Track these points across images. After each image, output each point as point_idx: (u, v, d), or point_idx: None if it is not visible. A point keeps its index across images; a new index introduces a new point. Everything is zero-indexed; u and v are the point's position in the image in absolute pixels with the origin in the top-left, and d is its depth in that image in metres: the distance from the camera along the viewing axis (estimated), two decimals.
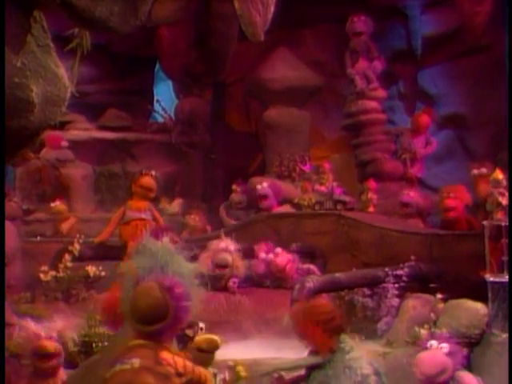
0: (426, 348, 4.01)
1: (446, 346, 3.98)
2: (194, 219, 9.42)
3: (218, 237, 7.23)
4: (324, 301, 4.20)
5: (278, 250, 7.11)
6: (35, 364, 4.38)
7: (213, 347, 3.86)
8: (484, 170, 8.66)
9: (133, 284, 3.23)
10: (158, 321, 3.01)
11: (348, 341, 3.92)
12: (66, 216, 9.49)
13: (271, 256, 7.11)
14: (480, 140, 11.08)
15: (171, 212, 9.57)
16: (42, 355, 4.38)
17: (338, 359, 3.87)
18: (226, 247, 6.86)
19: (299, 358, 4.02)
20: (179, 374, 2.98)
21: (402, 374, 4.28)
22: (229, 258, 6.85)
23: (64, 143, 10.38)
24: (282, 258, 7.06)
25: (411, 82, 11.84)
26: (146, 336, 3.02)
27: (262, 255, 7.09)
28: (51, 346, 4.41)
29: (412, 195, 9.20)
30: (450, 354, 3.98)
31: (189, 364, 3.05)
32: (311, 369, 3.95)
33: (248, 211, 9.64)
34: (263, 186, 9.31)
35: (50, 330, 4.54)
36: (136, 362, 2.93)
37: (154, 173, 8.04)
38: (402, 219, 8.92)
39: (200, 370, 3.10)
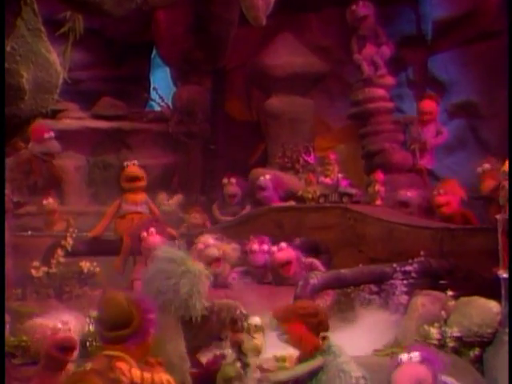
0: (398, 364, 3.98)
1: (416, 355, 3.95)
2: (195, 217, 9.41)
3: (220, 230, 7.24)
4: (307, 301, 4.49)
5: (283, 244, 7.07)
6: (54, 357, 4.42)
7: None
8: (487, 166, 8.71)
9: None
10: (121, 328, 3.32)
11: (336, 344, 4.00)
12: (58, 217, 9.38)
13: (273, 249, 7.08)
14: (493, 129, 11.04)
15: (168, 210, 9.55)
16: (64, 348, 4.43)
17: (332, 363, 3.96)
18: (205, 245, 6.87)
19: (296, 367, 4.06)
20: None
21: None
22: (214, 251, 6.85)
23: (47, 135, 10.20)
24: (284, 253, 7.02)
25: (421, 68, 11.81)
26: (108, 342, 3.35)
27: (255, 247, 7.07)
28: (73, 338, 4.47)
29: (409, 195, 9.11)
30: (423, 361, 3.95)
31: (147, 375, 3.30)
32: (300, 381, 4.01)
33: (243, 206, 9.61)
34: (265, 177, 9.30)
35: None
36: (88, 365, 3.31)
37: (136, 162, 8.13)
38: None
39: (162, 378, 3.35)
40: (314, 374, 3.99)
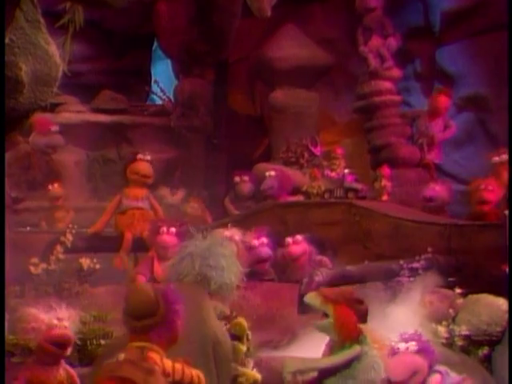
0: (395, 352, 4.02)
1: (413, 344, 3.98)
2: (193, 207, 9.39)
3: (222, 226, 7.22)
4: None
5: (299, 237, 7.07)
6: (48, 352, 4.45)
7: (241, 331, 4.19)
8: (505, 157, 8.63)
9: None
10: (147, 317, 3.44)
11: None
12: (62, 205, 9.46)
13: (289, 240, 7.06)
14: (503, 123, 11.01)
15: (171, 203, 9.56)
16: (60, 344, 4.47)
17: (367, 354, 4.08)
18: (231, 236, 6.85)
19: (335, 355, 4.11)
20: (166, 374, 3.38)
21: None
22: (234, 247, 6.82)
23: (53, 128, 10.32)
24: (299, 247, 7.02)
25: (429, 60, 11.79)
26: (135, 331, 3.46)
27: (254, 242, 7.06)
28: (69, 335, 4.52)
29: (438, 189, 9.04)
30: (420, 350, 3.98)
31: (178, 366, 3.44)
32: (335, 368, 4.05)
33: (257, 201, 9.55)
34: (270, 175, 9.26)
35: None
36: (121, 356, 3.39)
37: (149, 157, 8.08)
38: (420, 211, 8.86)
39: (192, 371, 3.49)
40: (350, 362, 4.10)
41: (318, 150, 10.27)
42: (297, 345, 5.06)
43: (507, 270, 5.73)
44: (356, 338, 4.14)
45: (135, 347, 3.44)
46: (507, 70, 7.87)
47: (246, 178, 9.66)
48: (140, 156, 8.01)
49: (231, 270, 4.18)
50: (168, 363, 3.42)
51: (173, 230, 6.86)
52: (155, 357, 3.40)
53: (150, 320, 3.45)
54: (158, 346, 3.46)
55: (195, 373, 3.52)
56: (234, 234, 6.91)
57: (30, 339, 4.70)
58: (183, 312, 3.55)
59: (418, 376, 3.93)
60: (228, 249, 4.33)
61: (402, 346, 3.98)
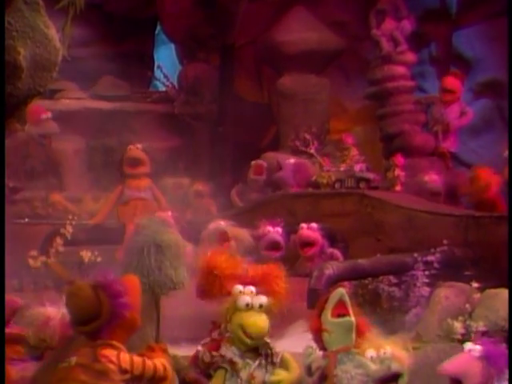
0: (461, 351, 4.05)
1: (477, 350, 3.97)
2: (197, 189, 9.41)
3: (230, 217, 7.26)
4: None
5: (314, 224, 7.10)
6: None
7: (258, 335, 3.97)
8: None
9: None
10: (92, 320, 3.35)
11: None
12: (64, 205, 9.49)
13: (302, 225, 7.09)
14: None
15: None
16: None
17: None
18: (217, 225, 6.87)
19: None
20: (123, 371, 3.31)
21: (432, 371, 4.28)
22: (222, 226, 6.86)
23: (45, 115, 10.24)
24: (311, 232, 7.03)
25: (445, 44, 11.75)
26: (85, 335, 3.40)
27: (269, 228, 7.09)
28: None
29: (435, 178, 9.14)
30: (481, 358, 3.97)
31: (138, 360, 3.36)
32: None
33: (265, 192, 9.56)
34: (290, 162, 9.31)
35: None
36: (73, 359, 3.33)
37: (139, 145, 8.17)
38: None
39: (155, 362, 3.41)
40: None
41: (311, 148, 10.26)
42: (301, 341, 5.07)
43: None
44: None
45: (87, 347, 3.35)
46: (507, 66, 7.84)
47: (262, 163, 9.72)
48: (129, 146, 8.14)
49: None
50: (125, 358, 3.32)
51: (168, 213, 6.93)
52: (110, 354, 3.30)
53: (97, 322, 3.34)
54: (116, 340, 3.36)
55: (159, 362, 3.42)
56: (218, 223, 6.92)
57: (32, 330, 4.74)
58: (132, 301, 3.40)
59: (470, 381, 3.90)
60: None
61: (467, 346, 3.99)
